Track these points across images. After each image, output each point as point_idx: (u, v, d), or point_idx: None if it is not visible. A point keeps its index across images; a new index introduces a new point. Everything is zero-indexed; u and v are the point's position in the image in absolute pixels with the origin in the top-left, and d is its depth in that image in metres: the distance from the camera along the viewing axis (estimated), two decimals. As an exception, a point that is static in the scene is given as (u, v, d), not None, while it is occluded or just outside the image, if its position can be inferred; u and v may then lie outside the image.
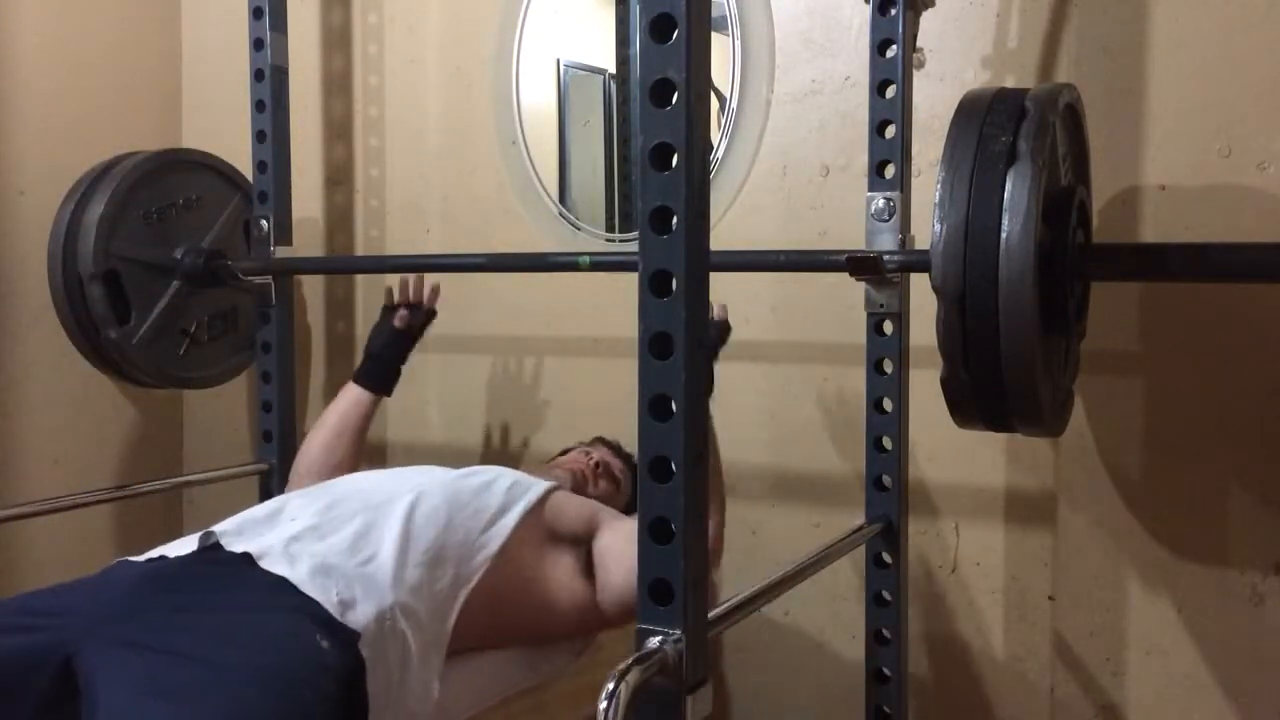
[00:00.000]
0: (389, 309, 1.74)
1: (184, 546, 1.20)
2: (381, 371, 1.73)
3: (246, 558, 1.15)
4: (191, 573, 1.14)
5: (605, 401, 1.85)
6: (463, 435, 2.00)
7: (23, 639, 1.02)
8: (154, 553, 1.20)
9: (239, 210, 1.96)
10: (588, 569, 1.38)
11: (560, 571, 1.37)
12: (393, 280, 1.78)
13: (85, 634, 1.01)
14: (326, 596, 1.11)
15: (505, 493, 1.37)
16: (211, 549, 1.18)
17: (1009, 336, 1.03)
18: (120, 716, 0.94)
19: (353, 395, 1.70)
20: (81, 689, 0.98)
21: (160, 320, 1.87)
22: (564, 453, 1.71)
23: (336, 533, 1.22)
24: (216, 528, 1.21)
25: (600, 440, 1.72)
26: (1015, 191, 1.03)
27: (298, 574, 1.12)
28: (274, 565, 1.14)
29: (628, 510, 1.53)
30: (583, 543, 1.40)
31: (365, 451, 1.75)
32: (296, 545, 1.18)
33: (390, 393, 1.74)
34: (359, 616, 1.11)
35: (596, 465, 1.62)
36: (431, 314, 1.77)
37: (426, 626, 1.21)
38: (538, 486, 1.41)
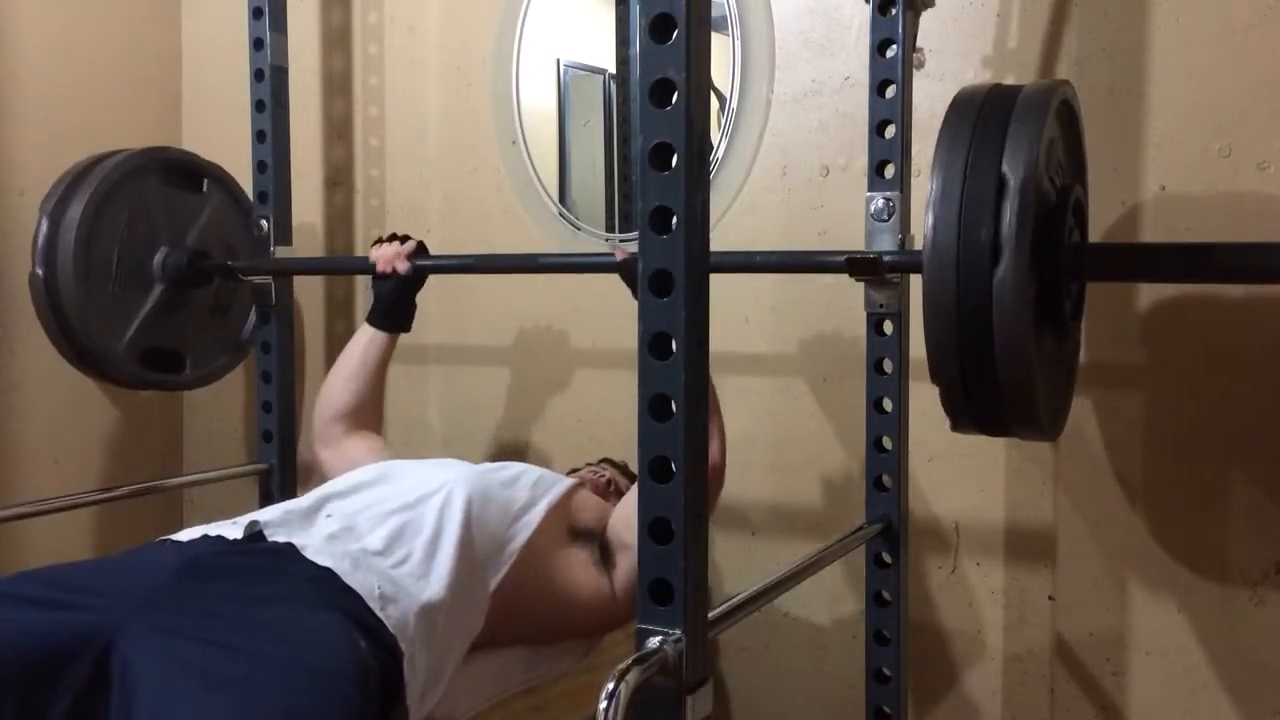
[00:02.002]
0: (384, 276, 1.67)
1: (227, 529, 1.20)
2: (396, 311, 1.67)
3: (290, 548, 1.16)
4: (235, 562, 1.14)
5: (609, 407, 1.85)
6: (465, 445, 1.99)
7: (63, 616, 1.02)
8: (196, 532, 1.21)
9: (159, 185, 1.86)
10: (602, 560, 1.40)
11: (578, 563, 1.39)
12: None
13: (125, 620, 1.01)
14: (369, 590, 1.12)
15: (531, 488, 1.39)
16: (256, 538, 1.19)
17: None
18: (164, 705, 0.94)
19: (370, 335, 1.66)
20: (115, 675, 0.98)
21: (205, 354, 1.92)
22: (573, 472, 1.71)
23: (372, 533, 1.24)
24: (261, 518, 1.22)
25: (608, 461, 1.72)
26: (1005, 276, 1.02)
27: (341, 566, 1.14)
28: (317, 556, 1.15)
29: None
30: (597, 536, 1.42)
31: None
32: (336, 543, 1.19)
33: (409, 329, 1.69)
34: (397, 612, 1.13)
35: (608, 483, 1.62)
36: (422, 253, 1.68)
37: (457, 621, 1.23)
38: (562, 483, 1.43)
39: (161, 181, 1.86)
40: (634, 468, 1.66)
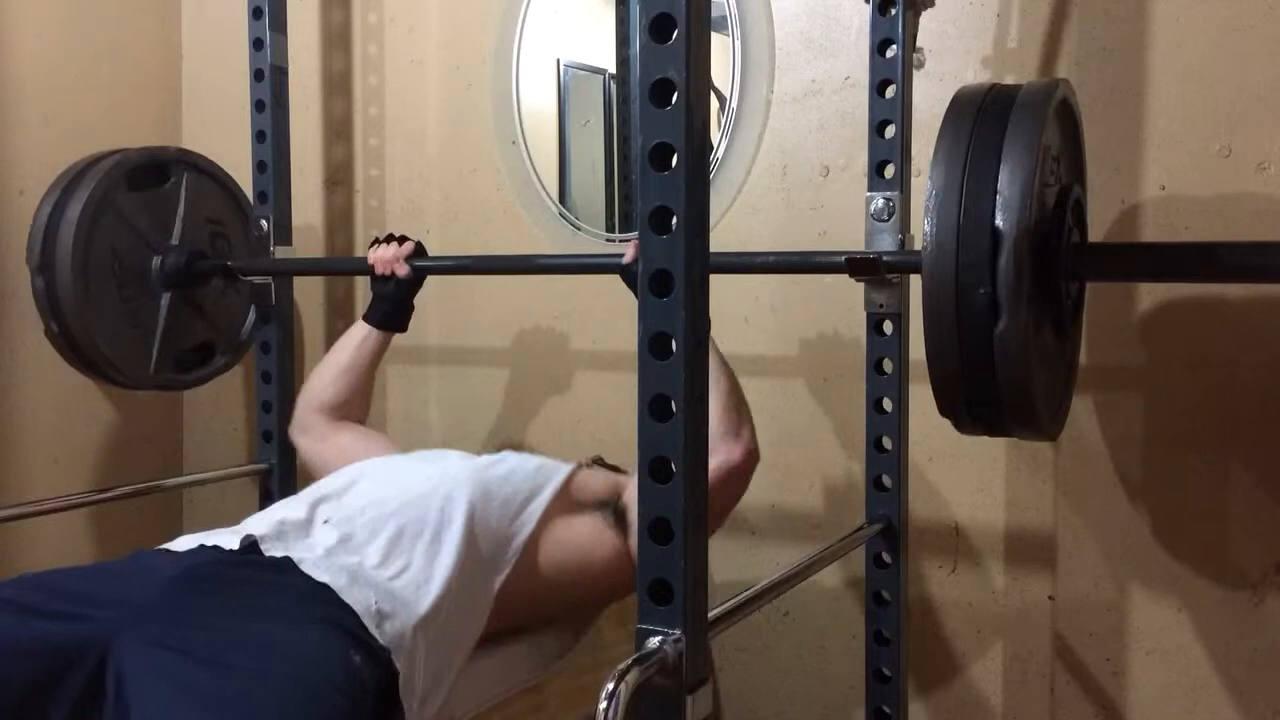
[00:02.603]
0: (383, 278, 1.66)
1: (224, 539, 1.19)
2: (395, 313, 1.66)
3: (287, 561, 1.15)
4: (231, 574, 1.13)
5: (609, 407, 1.85)
6: (465, 445, 1.98)
7: (61, 627, 1.01)
8: (193, 541, 1.20)
9: (129, 194, 1.82)
10: (617, 524, 1.37)
11: (588, 531, 1.36)
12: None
13: (121, 631, 1.01)
14: (365, 606, 1.11)
15: (531, 477, 1.38)
16: (252, 550, 1.18)
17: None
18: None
19: (364, 332, 1.64)
20: (110, 687, 0.98)
21: (232, 332, 1.94)
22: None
23: (371, 542, 1.22)
24: (255, 531, 1.20)
25: (599, 462, 1.71)
26: (1005, 333, 1.03)
27: (338, 582, 1.13)
28: (314, 571, 1.14)
29: None
30: (610, 503, 1.39)
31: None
32: (333, 558, 1.18)
33: (405, 329, 1.68)
34: (394, 628, 1.12)
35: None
36: (421, 254, 1.68)
37: (459, 626, 1.22)
38: (564, 468, 1.42)
39: (127, 188, 1.81)
40: (624, 465, 1.67)
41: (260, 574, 1.14)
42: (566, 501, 1.39)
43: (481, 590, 1.27)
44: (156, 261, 1.84)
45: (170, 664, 0.98)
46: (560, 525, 1.36)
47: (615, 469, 1.67)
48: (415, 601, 1.17)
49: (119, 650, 0.99)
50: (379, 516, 1.26)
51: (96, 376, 1.81)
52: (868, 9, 1.41)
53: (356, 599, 1.12)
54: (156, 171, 1.89)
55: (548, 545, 1.34)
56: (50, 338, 1.76)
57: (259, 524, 1.24)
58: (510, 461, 1.41)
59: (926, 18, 1.45)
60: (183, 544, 1.20)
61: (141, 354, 1.81)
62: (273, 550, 1.18)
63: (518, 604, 1.31)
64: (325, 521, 1.26)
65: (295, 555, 1.16)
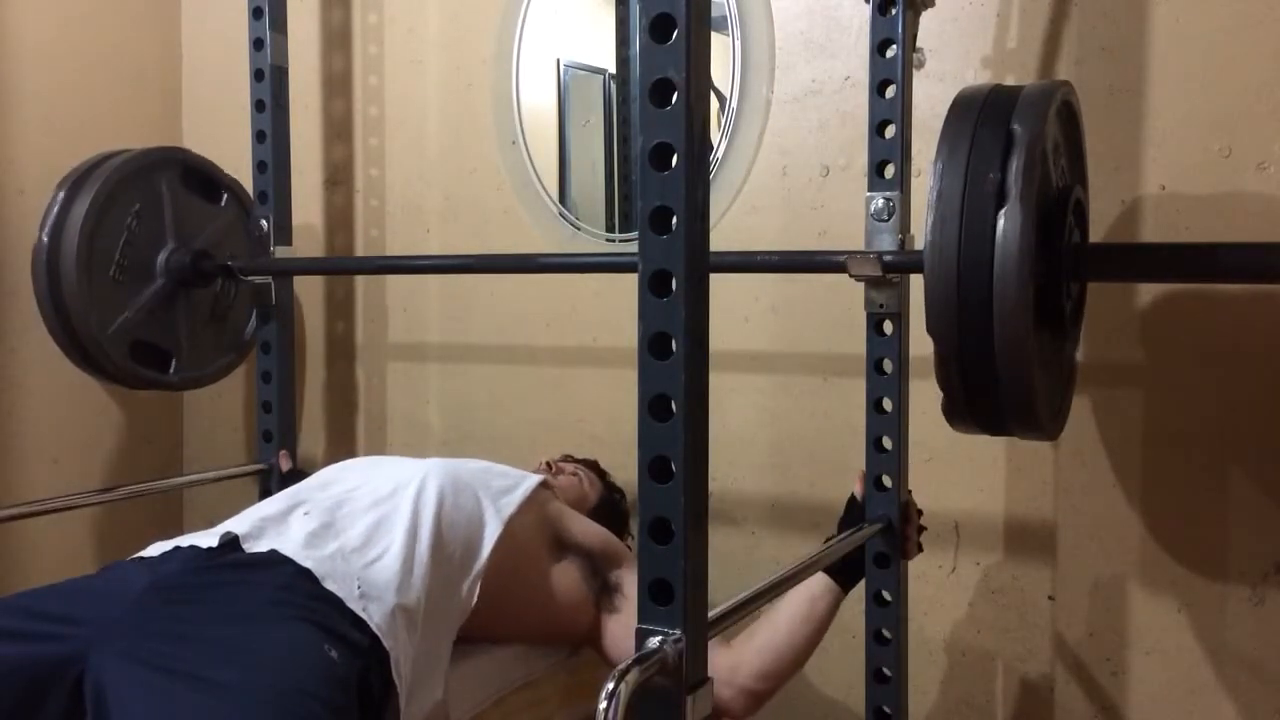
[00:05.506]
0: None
1: (201, 539, 1.18)
2: None
3: (268, 555, 1.15)
4: (204, 579, 1.12)
5: (609, 407, 1.85)
6: (465, 445, 1.99)
7: (35, 649, 1.01)
8: (169, 544, 1.19)
9: (176, 185, 1.87)
10: (591, 580, 1.40)
11: (566, 577, 1.39)
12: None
13: (95, 647, 1.00)
14: (348, 592, 1.12)
15: (503, 475, 1.41)
16: (230, 548, 1.17)
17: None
18: None
19: None
20: (89, 705, 0.98)
21: (195, 358, 1.92)
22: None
23: (350, 528, 1.24)
24: (236, 528, 1.20)
25: (594, 467, 1.72)
26: (1009, 222, 1.02)
27: (321, 569, 1.13)
28: (296, 556, 1.14)
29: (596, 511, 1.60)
30: (590, 559, 1.41)
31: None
32: (315, 542, 1.19)
33: None
34: (380, 609, 1.13)
35: (558, 464, 1.66)
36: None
37: (443, 609, 1.23)
38: (532, 477, 1.45)
39: (179, 181, 1.87)
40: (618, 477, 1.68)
41: (234, 574, 1.13)
42: (542, 519, 1.41)
43: (461, 575, 1.27)
44: (165, 250, 1.85)
45: (143, 679, 0.97)
46: (537, 544, 1.38)
47: (595, 465, 1.68)
48: (398, 583, 1.18)
49: (94, 667, 0.98)
50: (358, 508, 1.28)
51: (49, 308, 1.75)
52: (868, 9, 1.41)
53: (338, 585, 1.12)
54: (211, 185, 1.95)
55: (523, 553, 1.35)
56: (35, 253, 1.74)
57: (240, 523, 1.23)
58: (482, 461, 1.45)
59: (926, 18, 1.44)
60: (157, 549, 1.19)
61: (104, 318, 1.77)
62: (255, 546, 1.17)
63: (495, 603, 1.30)
64: (306, 513, 1.25)
65: (276, 545, 1.16)
